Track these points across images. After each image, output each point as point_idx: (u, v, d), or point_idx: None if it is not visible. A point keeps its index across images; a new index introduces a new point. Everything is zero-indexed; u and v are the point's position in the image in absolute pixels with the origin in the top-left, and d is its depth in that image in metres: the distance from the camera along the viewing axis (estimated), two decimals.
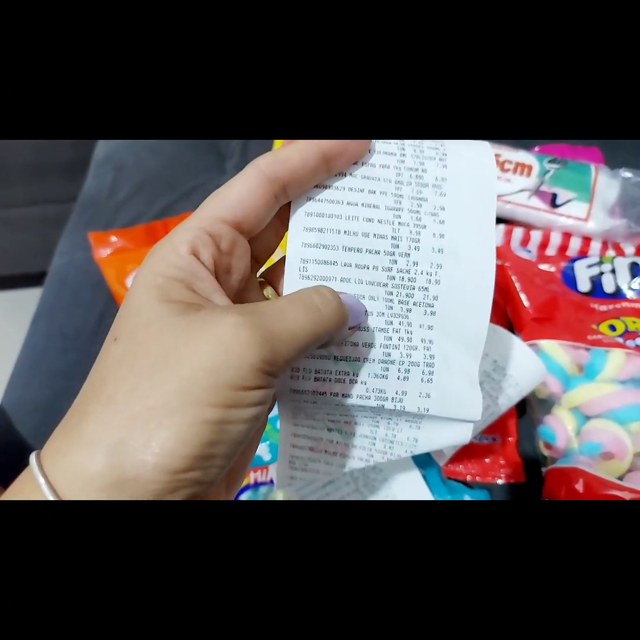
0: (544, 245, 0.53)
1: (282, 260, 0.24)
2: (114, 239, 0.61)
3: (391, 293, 0.24)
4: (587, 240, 0.53)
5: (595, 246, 0.52)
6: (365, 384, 0.24)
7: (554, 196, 0.53)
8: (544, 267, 0.51)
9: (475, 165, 0.25)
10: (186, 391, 0.17)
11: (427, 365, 0.25)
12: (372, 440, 0.26)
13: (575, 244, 0.53)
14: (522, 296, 0.49)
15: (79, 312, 0.60)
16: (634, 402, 0.40)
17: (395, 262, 0.24)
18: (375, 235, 0.24)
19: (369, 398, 0.24)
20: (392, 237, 0.24)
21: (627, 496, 0.36)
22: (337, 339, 0.23)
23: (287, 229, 0.24)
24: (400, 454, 0.26)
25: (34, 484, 0.17)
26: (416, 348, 0.24)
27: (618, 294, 0.48)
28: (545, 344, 0.44)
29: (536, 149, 0.58)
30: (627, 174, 0.53)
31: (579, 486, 0.37)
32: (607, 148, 0.60)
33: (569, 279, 0.50)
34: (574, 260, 0.51)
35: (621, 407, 0.40)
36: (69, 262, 0.64)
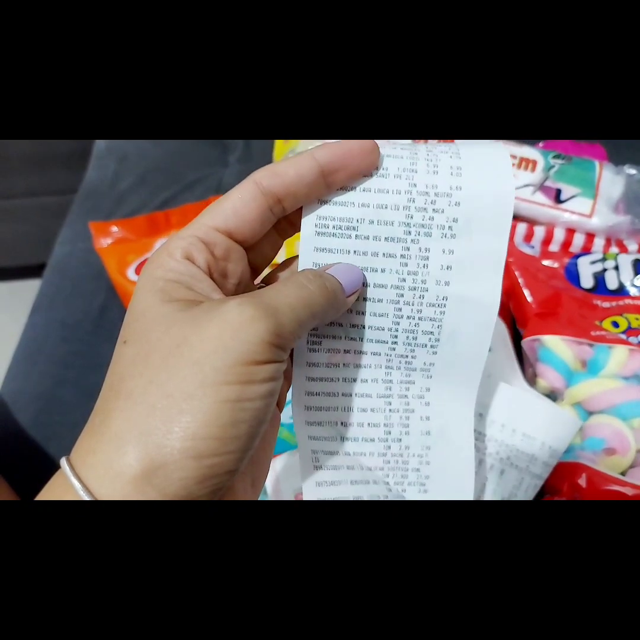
0: (547, 241, 0.53)
1: (283, 263, 0.25)
2: (114, 229, 0.61)
3: (388, 475, 0.27)
4: (590, 236, 0.53)
5: (598, 242, 0.52)
6: None
7: (558, 192, 0.53)
8: (547, 262, 0.51)
9: (469, 349, 0.25)
10: (201, 374, 0.17)
11: None
12: None
13: (578, 240, 0.53)
14: (526, 291, 0.48)
15: (79, 302, 0.59)
16: (637, 397, 0.40)
17: (389, 447, 0.26)
18: (369, 424, 0.26)
19: None
20: (385, 423, 0.26)
21: (629, 492, 0.36)
22: (334, 312, 0.23)
23: (283, 240, 0.25)
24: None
25: (67, 486, 0.17)
26: None
27: (621, 291, 0.48)
28: (548, 339, 0.44)
29: (540, 144, 0.58)
30: (631, 170, 0.53)
31: (582, 481, 0.37)
32: (610, 145, 0.60)
33: (572, 275, 0.50)
34: (577, 256, 0.51)
35: (624, 402, 0.40)
36: (69, 252, 0.64)
